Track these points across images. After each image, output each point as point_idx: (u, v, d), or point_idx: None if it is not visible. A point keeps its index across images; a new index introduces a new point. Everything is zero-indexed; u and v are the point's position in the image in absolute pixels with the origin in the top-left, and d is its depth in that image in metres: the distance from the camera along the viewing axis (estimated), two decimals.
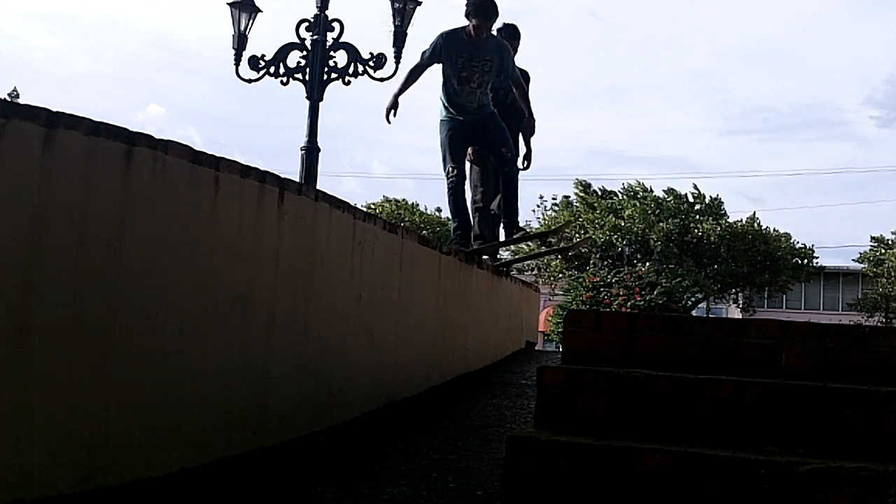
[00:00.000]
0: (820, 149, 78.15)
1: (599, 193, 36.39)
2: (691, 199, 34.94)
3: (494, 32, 6.97)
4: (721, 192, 57.21)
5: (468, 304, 6.54)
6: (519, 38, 7.67)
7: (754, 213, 36.40)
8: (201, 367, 3.39)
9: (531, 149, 7.64)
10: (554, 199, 37.78)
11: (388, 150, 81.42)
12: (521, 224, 7.38)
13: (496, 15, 6.71)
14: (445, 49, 6.67)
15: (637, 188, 35.44)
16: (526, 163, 7.56)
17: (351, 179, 71.10)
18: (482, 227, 7.56)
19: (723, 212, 34.80)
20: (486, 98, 6.84)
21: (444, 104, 6.85)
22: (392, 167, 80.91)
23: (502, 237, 7.68)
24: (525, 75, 7.44)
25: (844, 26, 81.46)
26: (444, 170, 6.87)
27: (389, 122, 6.83)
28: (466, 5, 6.61)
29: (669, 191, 35.19)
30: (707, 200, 34.97)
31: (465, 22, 6.65)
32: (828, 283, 45.11)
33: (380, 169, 77.21)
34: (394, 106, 6.83)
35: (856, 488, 2.69)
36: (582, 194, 36.11)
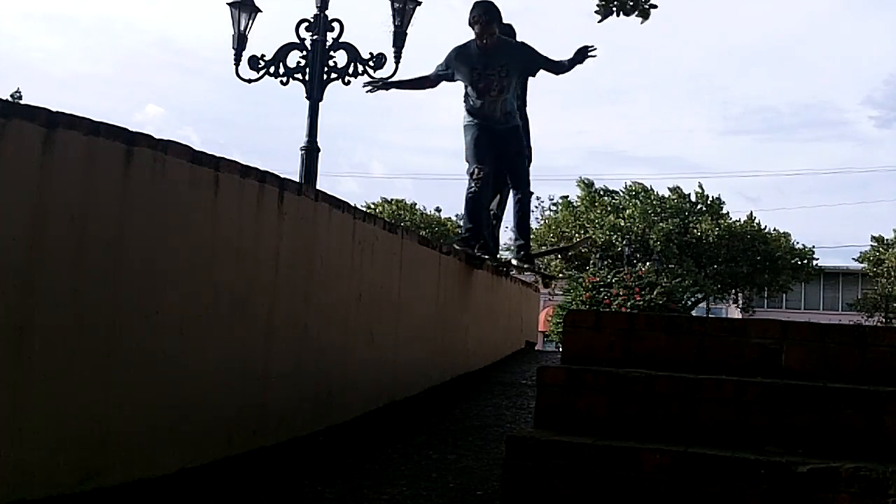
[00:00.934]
0: (819, 149, 78.22)
1: (601, 193, 36.39)
2: (694, 199, 34.91)
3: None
4: (721, 192, 57.21)
5: (468, 304, 6.54)
6: (514, 38, 7.66)
7: (751, 212, 36.35)
8: (201, 367, 3.40)
9: (531, 146, 7.62)
10: (552, 199, 37.81)
11: (386, 150, 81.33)
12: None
13: (496, 17, 6.62)
14: (457, 65, 6.59)
15: (637, 188, 35.41)
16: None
17: (349, 179, 71.10)
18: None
19: (724, 212, 34.78)
20: (512, 105, 6.73)
21: (467, 112, 6.79)
22: (390, 167, 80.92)
23: (503, 238, 7.68)
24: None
25: (844, 26, 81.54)
26: (469, 171, 6.72)
27: (367, 91, 7.12)
28: (469, 15, 6.56)
29: (675, 189, 35.17)
30: (709, 201, 34.94)
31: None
32: (827, 283, 45.09)
33: (378, 169, 77.19)
34: (382, 88, 6.92)
35: (856, 488, 2.69)
36: (584, 192, 36.08)
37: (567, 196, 37.40)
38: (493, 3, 6.59)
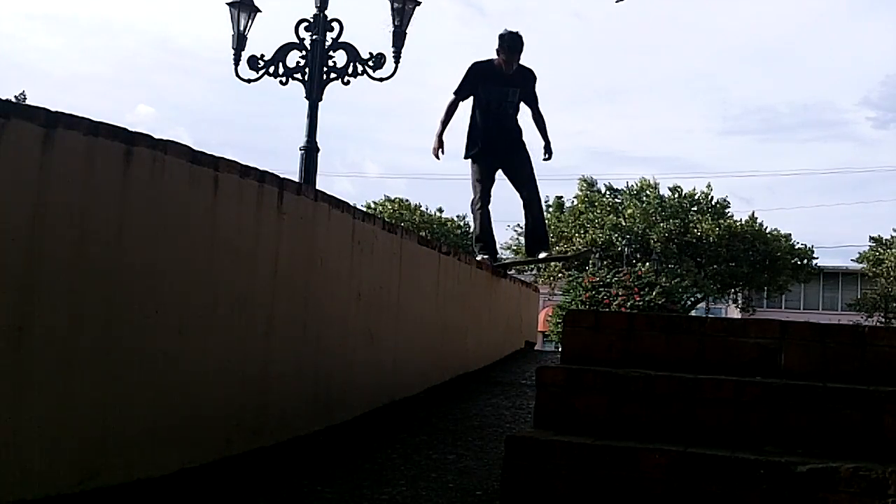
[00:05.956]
0: (818, 149, 78.09)
1: (603, 191, 36.29)
2: (698, 198, 34.78)
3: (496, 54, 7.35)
4: (719, 192, 57.17)
5: (467, 304, 6.54)
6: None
7: (753, 213, 36.29)
8: (201, 367, 3.40)
9: (549, 140, 7.56)
10: (546, 200, 37.78)
11: (380, 150, 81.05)
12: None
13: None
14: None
15: (644, 184, 35.28)
16: (547, 154, 7.53)
17: (344, 179, 71.07)
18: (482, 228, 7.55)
19: (729, 213, 34.71)
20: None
21: None
22: (385, 167, 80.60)
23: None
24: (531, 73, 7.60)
25: (842, 27, 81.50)
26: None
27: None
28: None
29: (675, 188, 35.09)
30: (713, 201, 34.85)
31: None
32: (827, 283, 45.09)
33: (373, 169, 76.95)
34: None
35: (855, 488, 2.69)
36: (586, 192, 35.96)
37: (561, 197, 37.39)
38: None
